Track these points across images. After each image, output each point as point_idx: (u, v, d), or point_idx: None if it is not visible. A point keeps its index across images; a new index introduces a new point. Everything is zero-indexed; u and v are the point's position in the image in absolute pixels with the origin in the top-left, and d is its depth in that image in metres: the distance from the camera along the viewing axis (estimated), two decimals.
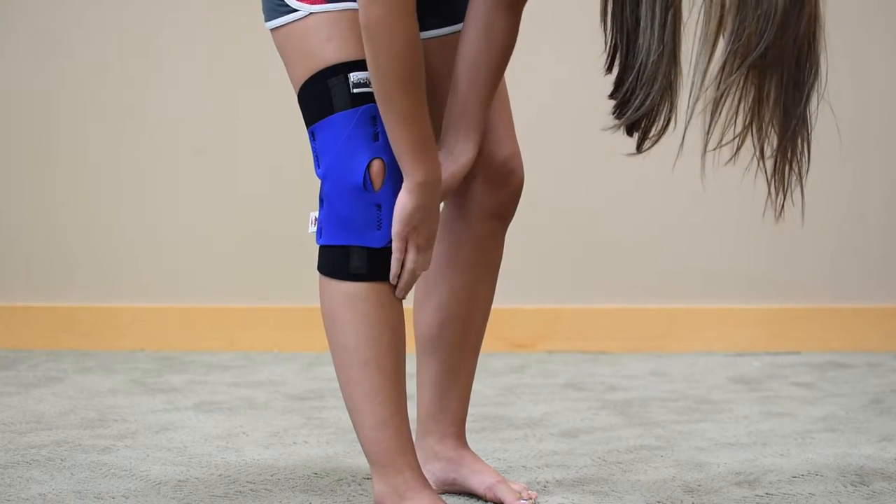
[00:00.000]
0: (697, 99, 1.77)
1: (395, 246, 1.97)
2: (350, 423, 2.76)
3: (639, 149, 1.86)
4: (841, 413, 2.87)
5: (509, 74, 2.18)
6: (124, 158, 3.83)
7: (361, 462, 2.44)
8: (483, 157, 2.13)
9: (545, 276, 3.77)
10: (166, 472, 2.39)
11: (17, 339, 3.83)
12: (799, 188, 1.86)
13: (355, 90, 1.96)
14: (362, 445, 2.01)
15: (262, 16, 2.05)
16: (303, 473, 2.38)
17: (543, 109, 3.68)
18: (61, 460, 2.48)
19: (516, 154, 2.17)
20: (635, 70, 1.79)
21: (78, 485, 2.31)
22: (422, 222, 1.96)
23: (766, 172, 1.83)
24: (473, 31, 2.04)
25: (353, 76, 1.96)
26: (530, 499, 2.16)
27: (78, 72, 3.82)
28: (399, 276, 1.98)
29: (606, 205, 3.76)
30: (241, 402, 3.05)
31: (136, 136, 3.83)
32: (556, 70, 3.71)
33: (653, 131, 1.83)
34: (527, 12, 2.07)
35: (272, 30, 2.03)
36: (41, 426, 2.78)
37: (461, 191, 2.13)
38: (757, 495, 2.20)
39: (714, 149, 1.80)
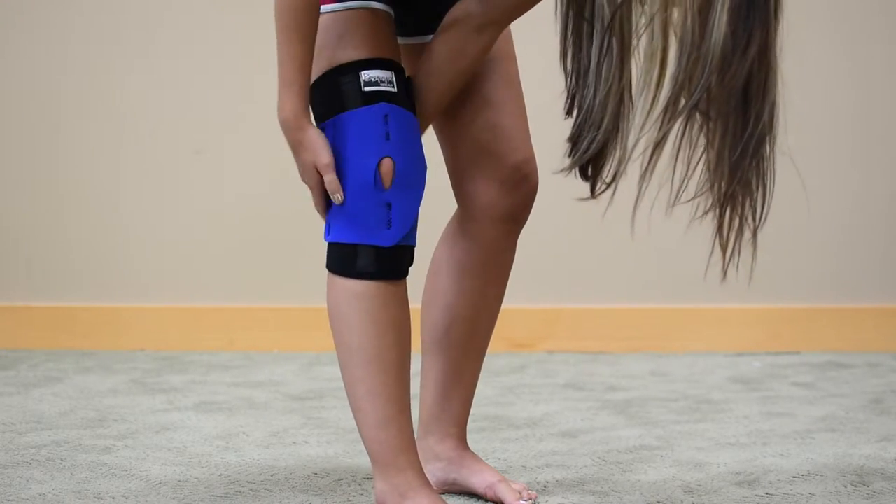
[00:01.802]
0: (637, 142, 1.75)
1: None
2: (350, 422, 2.76)
3: (592, 192, 1.86)
4: (841, 413, 2.87)
5: None
6: (124, 158, 3.83)
7: (361, 462, 2.44)
8: (496, 161, 2.13)
9: (545, 276, 3.78)
10: (166, 472, 2.39)
11: (17, 339, 3.83)
12: (751, 245, 1.77)
13: (366, 88, 1.95)
14: (364, 444, 2.01)
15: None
16: (303, 473, 2.38)
17: (543, 108, 3.67)
18: (61, 460, 2.48)
19: (531, 159, 2.17)
20: (583, 112, 1.78)
21: (78, 485, 2.31)
22: (296, 157, 1.98)
23: (716, 222, 1.77)
24: (443, 46, 2.02)
25: (365, 74, 1.95)
26: (530, 499, 2.16)
27: (78, 72, 3.82)
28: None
29: (606, 205, 3.76)
30: (241, 402, 3.05)
31: (135, 136, 3.83)
32: (556, 69, 3.71)
33: (603, 175, 1.82)
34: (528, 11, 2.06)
35: None
36: (41, 426, 2.78)
37: (474, 194, 2.14)
38: (757, 495, 2.20)
39: (681, 201, 1.76)
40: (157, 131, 3.82)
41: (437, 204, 2.33)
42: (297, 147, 1.97)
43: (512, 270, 2.21)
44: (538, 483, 2.29)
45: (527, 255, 3.77)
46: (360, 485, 2.30)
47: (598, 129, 1.77)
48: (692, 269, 3.79)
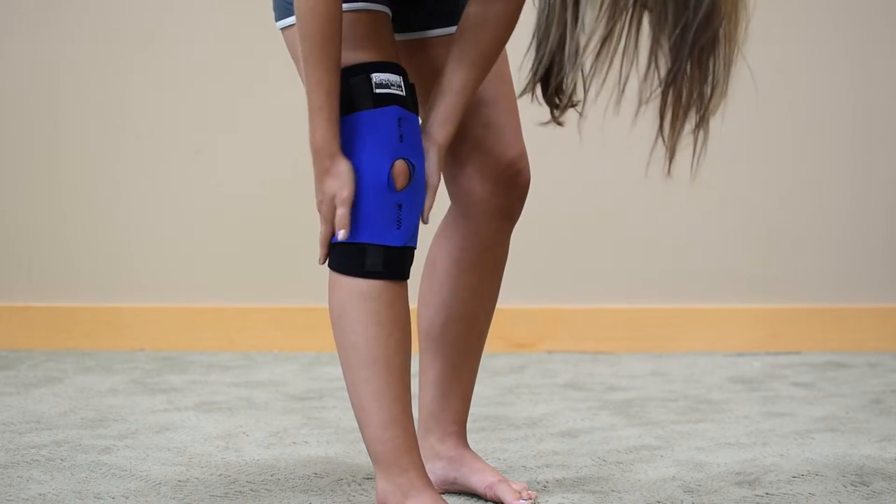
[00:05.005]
0: (588, 42, 1.75)
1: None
2: (350, 422, 2.76)
3: (552, 115, 1.86)
4: (841, 413, 2.87)
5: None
6: (124, 158, 3.83)
7: (361, 462, 2.44)
8: (491, 158, 2.13)
9: (545, 276, 3.78)
10: (166, 472, 2.39)
11: (17, 339, 3.83)
12: (696, 139, 1.77)
13: (378, 90, 1.95)
14: (367, 444, 2.01)
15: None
16: (303, 473, 2.38)
17: (543, 108, 3.68)
18: (61, 460, 2.48)
19: (523, 155, 2.18)
20: (533, 31, 1.79)
21: (78, 485, 2.31)
22: (318, 185, 1.95)
23: (658, 113, 1.77)
24: (469, 16, 2.02)
25: (376, 76, 1.96)
26: (530, 498, 2.16)
27: (78, 72, 3.82)
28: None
29: (606, 204, 3.76)
30: (241, 402, 3.05)
31: (135, 136, 3.83)
32: None
33: (560, 97, 1.82)
34: (529, 11, 2.06)
35: (283, 28, 2.02)
36: (41, 426, 2.78)
37: (468, 190, 2.14)
38: (757, 495, 2.20)
39: (625, 98, 1.76)
40: (157, 131, 3.82)
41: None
42: (322, 175, 1.95)
43: (512, 270, 2.22)
44: (538, 483, 2.29)
45: (527, 255, 3.78)
46: (360, 485, 2.30)
47: (546, 45, 1.77)
48: (692, 269, 3.79)
